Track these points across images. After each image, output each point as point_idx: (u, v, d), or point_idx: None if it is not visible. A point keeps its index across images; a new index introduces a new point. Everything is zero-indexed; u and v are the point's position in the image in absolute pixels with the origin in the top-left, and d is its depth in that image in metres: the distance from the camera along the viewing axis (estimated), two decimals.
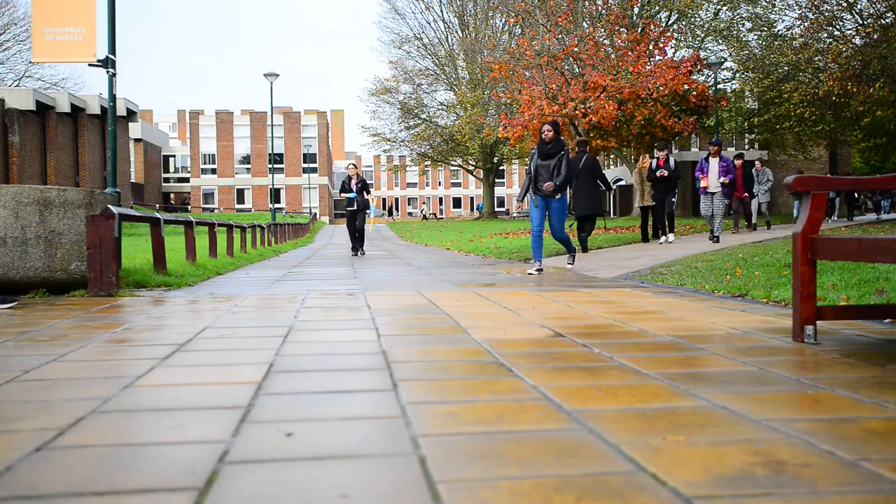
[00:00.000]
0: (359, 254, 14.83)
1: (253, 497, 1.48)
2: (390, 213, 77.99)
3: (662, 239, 13.75)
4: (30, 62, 41.90)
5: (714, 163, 13.22)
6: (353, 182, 14.18)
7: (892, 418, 2.02)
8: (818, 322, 3.34)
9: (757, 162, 18.44)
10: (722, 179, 12.99)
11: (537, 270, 8.51)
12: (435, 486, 1.52)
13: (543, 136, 8.53)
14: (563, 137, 11.11)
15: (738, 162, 16.01)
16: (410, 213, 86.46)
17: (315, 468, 1.66)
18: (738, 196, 16.08)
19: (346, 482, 1.56)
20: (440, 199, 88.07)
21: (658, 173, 13.42)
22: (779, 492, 1.47)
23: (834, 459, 1.66)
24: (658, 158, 13.64)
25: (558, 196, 8.52)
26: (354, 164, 14.65)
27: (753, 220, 18.17)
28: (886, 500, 1.42)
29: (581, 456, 1.71)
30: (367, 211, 14.85)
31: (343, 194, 14.26)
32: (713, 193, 13.13)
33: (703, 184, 13.08)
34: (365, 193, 14.39)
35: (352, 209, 14.40)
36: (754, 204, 17.90)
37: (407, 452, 1.75)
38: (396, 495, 1.48)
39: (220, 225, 13.49)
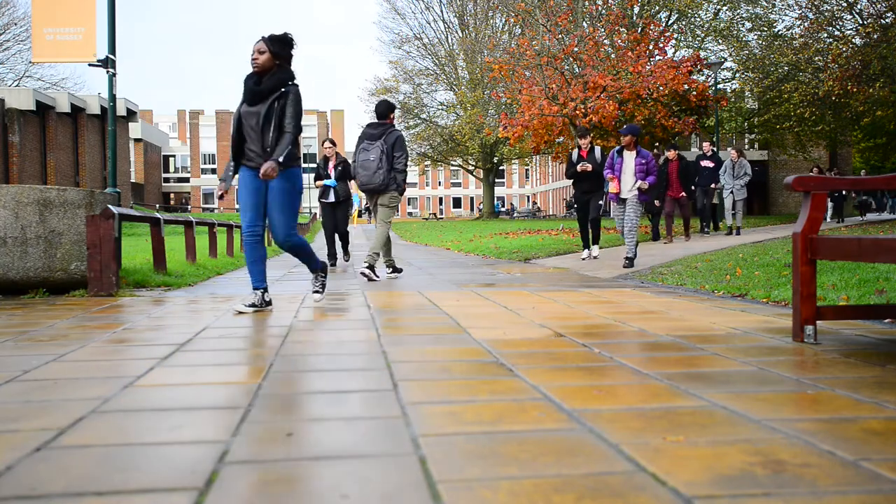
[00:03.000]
0: (337, 264, 10.83)
1: (253, 497, 1.47)
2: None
3: (585, 253, 10.60)
4: (30, 62, 41.89)
5: (629, 158, 9.01)
6: (332, 164, 10.50)
7: (892, 418, 2.02)
8: (818, 322, 3.34)
9: (732, 151, 15.55)
10: (639, 184, 8.75)
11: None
12: (435, 486, 1.52)
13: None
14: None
15: (671, 154, 13.74)
16: (410, 213, 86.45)
17: (315, 468, 1.65)
18: (673, 196, 13.57)
19: (346, 482, 1.56)
20: (440, 199, 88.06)
21: (580, 167, 9.91)
22: (779, 492, 1.47)
23: (834, 459, 1.66)
24: (580, 148, 10.15)
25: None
26: (332, 142, 10.72)
27: (707, 228, 15.64)
28: (886, 500, 1.42)
29: (581, 456, 1.71)
30: (351, 204, 11.03)
31: (318, 182, 10.51)
32: (626, 200, 9.03)
33: (612, 187, 8.95)
34: (348, 180, 10.54)
35: (329, 202, 10.50)
36: (728, 202, 15.31)
37: (407, 452, 1.75)
38: (396, 495, 1.48)
39: (220, 225, 13.49)
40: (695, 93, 23.43)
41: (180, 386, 2.58)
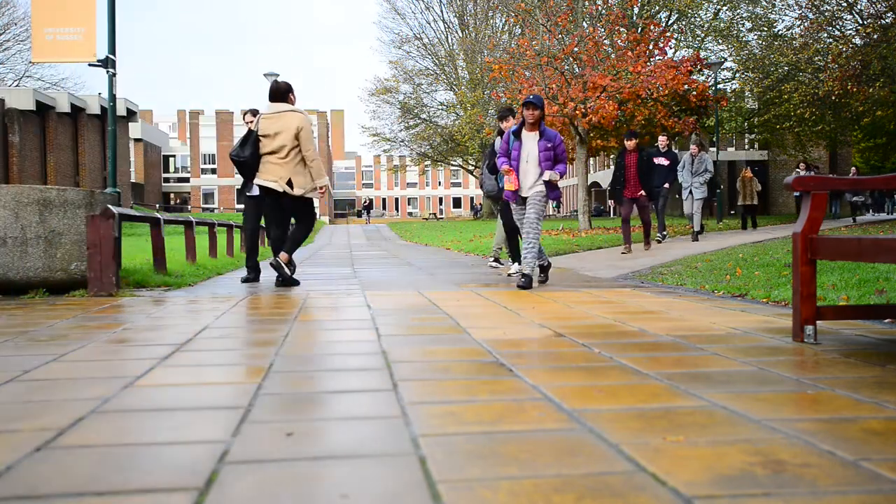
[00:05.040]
0: (258, 278, 7.73)
1: (253, 497, 1.48)
2: (368, 212, 61.86)
3: (515, 268, 8.03)
4: (30, 62, 41.88)
5: (530, 142, 6.69)
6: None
7: (892, 418, 2.02)
8: (818, 322, 3.34)
9: (693, 146, 13.70)
10: (547, 175, 6.59)
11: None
12: (435, 486, 1.52)
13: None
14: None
15: (629, 145, 11.06)
16: (410, 214, 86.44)
17: (315, 468, 1.65)
18: (631, 196, 11.10)
19: (346, 482, 1.56)
20: (440, 199, 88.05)
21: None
22: (779, 492, 1.47)
23: (834, 459, 1.66)
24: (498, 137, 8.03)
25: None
26: (255, 112, 8.02)
27: (664, 232, 13.29)
28: (886, 500, 1.42)
29: (581, 456, 1.71)
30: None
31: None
32: (527, 198, 6.72)
33: (507, 183, 6.67)
34: None
35: (254, 195, 7.66)
36: (688, 205, 13.68)
37: (407, 452, 1.75)
38: (396, 495, 1.48)
39: (220, 225, 13.49)
40: (695, 93, 23.42)
41: (180, 386, 2.58)
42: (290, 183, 6.82)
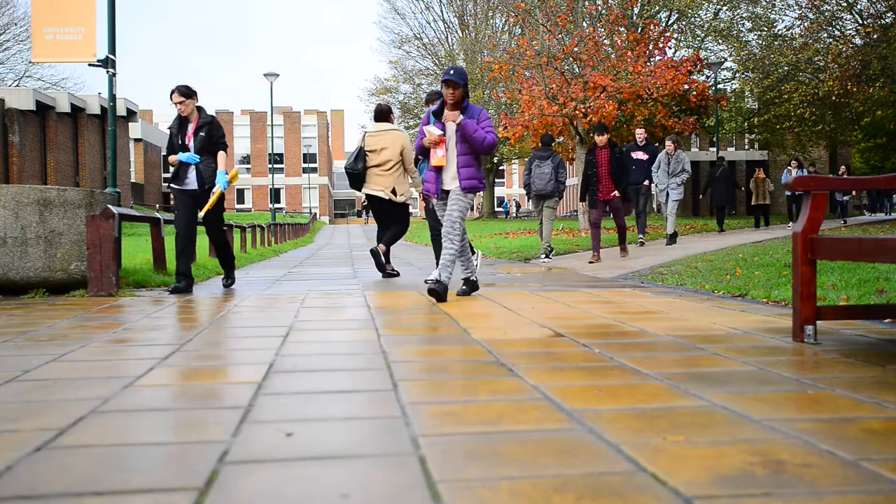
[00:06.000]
0: (192, 289, 6.72)
1: (253, 497, 1.48)
2: (368, 212, 55.38)
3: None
4: (30, 62, 41.88)
5: (453, 126, 5.69)
6: (191, 128, 6.66)
7: (892, 418, 2.02)
8: (818, 322, 3.34)
9: (669, 143, 12.26)
10: (454, 116, 5.62)
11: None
12: (435, 486, 1.52)
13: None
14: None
15: (600, 140, 9.72)
16: (410, 214, 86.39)
17: (315, 468, 1.65)
18: (603, 198, 9.74)
19: (346, 482, 1.56)
20: None
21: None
22: (779, 492, 1.47)
23: (834, 459, 1.66)
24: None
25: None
26: (186, 90, 6.63)
27: (641, 236, 12.53)
28: (886, 500, 1.42)
29: (581, 456, 1.71)
30: (216, 189, 6.63)
31: (172, 158, 6.69)
32: (450, 192, 5.71)
33: (435, 157, 5.71)
34: (219, 152, 6.73)
35: (187, 189, 6.64)
36: (671, 207, 12.29)
37: (407, 452, 1.75)
38: (396, 495, 1.48)
39: None
40: (695, 93, 23.43)
41: (180, 386, 2.58)
42: (393, 191, 7.91)
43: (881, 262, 3.33)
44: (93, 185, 35.31)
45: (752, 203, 19.87)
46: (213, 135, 6.70)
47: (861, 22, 24.74)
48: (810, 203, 3.34)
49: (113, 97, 9.14)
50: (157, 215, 8.71)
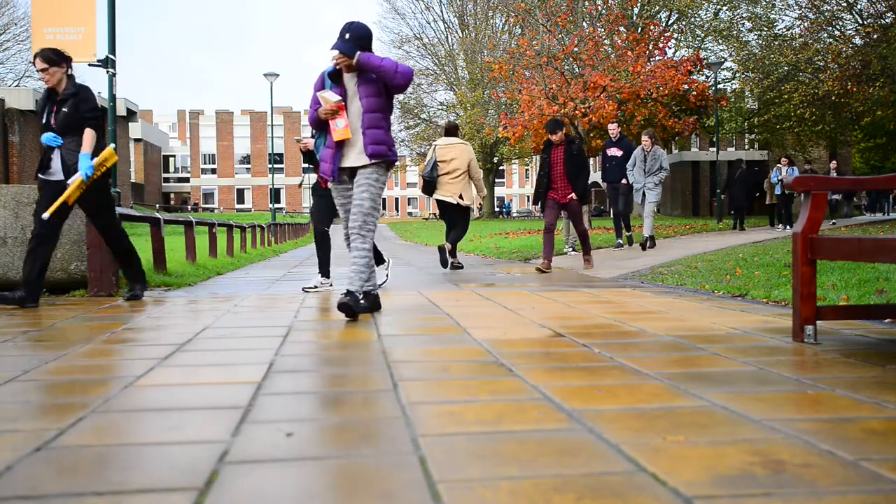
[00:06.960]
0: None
1: (253, 497, 1.47)
2: None
3: (314, 281, 6.91)
4: (30, 62, 41.87)
5: (354, 88, 4.51)
6: (56, 102, 5.40)
7: (892, 418, 2.02)
8: (818, 322, 3.34)
9: (645, 138, 11.12)
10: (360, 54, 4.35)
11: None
12: (435, 486, 1.51)
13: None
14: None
15: (555, 138, 8.72)
16: (410, 214, 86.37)
17: (315, 468, 1.65)
18: (557, 200, 8.80)
19: (346, 482, 1.56)
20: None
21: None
22: (779, 492, 1.47)
23: (834, 459, 1.66)
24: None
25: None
26: (53, 56, 5.34)
27: (619, 240, 12.00)
28: (886, 500, 1.42)
29: (581, 456, 1.71)
30: (76, 178, 5.29)
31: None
32: (359, 170, 4.56)
33: (336, 129, 4.50)
34: (95, 132, 5.43)
35: (52, 179, 5.40)
36: (648, 209, 11.14)
37: (407, 452, 1.75)
38: (397, 495, 1.48)
39: (219, 225, 13.49)
40: (695, 93, 23.44)
41: (180, 386, 2.58)
42: (460, 196, 8.88)
43: (881, 262, 3.33)
44: None
45: (767, 202, 20.33)
46: (79, 108, 5.37)
47: (861, 22, 24.75)
48: (810, 203, 3.34)
49: (113, 97, 9.15)
50: (158, 215, 8.71)
